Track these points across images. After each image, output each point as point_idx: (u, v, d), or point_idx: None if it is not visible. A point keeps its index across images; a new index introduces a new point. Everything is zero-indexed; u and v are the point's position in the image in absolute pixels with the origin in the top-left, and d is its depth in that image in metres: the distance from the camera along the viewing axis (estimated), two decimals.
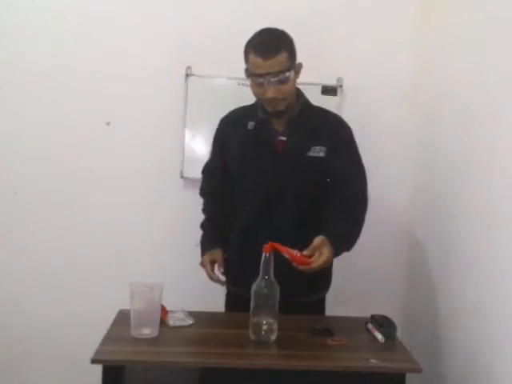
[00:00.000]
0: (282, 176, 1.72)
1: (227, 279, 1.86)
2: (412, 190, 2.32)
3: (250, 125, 1.76)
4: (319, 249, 1.52)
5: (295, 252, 1.50)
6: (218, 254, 1.81)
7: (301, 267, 1.49)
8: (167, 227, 2.32)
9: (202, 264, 1.80)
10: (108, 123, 2.29)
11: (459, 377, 1.76)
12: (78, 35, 2.24)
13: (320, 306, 1.88)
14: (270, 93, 1.63)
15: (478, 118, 1.74)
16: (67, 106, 2.26)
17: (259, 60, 1.60)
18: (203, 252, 1.83)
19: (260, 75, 1.61)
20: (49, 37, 2.23)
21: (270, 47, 1.61)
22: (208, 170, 1.92)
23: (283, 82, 1.62)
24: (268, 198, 1.73)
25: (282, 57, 1.61)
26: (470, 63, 1.83)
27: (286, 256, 1.49)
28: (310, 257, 1.51)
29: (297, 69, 1.69)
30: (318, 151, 1.71)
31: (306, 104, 1.78)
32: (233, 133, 1.80)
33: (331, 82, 2.29)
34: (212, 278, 1.77)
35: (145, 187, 2.31)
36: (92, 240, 2.31)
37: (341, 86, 2.30)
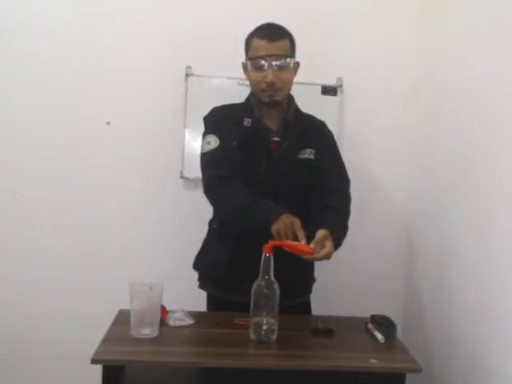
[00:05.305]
0: (276, 177, 1.72)
1: (213, 284, 1.82)
2: (412, 189, 2.31)
3: (247, 121, 1.75)
4: (322, 242, 1.52)
5: (297, 242, 1.49)
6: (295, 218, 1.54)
7: (304, 257, 1.49)
8: (167, 227, 2.32)
9: (284, 225, 1.50)
10: (108, 123, 2.29)
11: (459, 377, 1.76)
12: (77, 35, 2.23)
13: (305, 309, 1.87)
14: (270, 76, 1.65)
15: (478, 118, 1.74)
16: (67, 106, 2.25)
17: (264, 42, 1.65)
18: (275, 216, 1.53)
19: (263, 57, 1.65)
20: (48, 36, 2.23)
21: (276, 31, 1.68)
22: (217, 154, 1.71)
23: (284, 68, 1.67)
24: None
25: (286, 43, 1.68)
26: (470, 63, 1.83)
27: (288, 249, 1.48)
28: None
29: (295, 65, 1.73)
30: (309, 153, 1.76)
31: (297, 109, 1.83)
32: (229, 127, 1.75)
33: (331, 81, 2.29)
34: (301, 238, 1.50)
35: (145, 187, 2.31)
36: (92, 240, 2.30)
37: (341, 86, 2.30)
